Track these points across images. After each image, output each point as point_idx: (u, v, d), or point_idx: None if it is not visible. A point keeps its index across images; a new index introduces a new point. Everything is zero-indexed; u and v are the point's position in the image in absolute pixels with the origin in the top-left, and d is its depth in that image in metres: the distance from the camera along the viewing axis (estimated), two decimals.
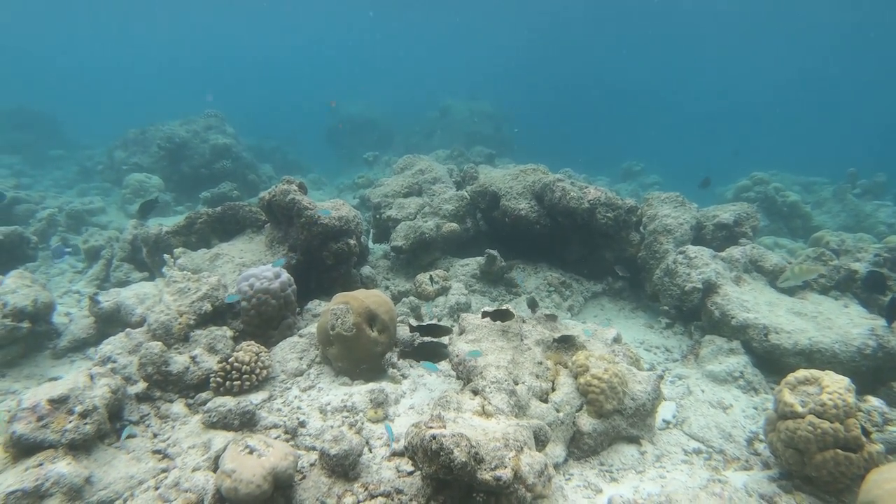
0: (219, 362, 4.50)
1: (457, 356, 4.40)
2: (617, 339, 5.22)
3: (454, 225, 7.85)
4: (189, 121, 16.24)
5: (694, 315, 6.76)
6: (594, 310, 7.58)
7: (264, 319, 5.10)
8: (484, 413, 3.76)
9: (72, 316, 6.27)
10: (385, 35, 60.18)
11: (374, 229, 8.91)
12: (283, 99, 45.86)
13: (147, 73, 56.15)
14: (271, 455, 3.34)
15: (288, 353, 4.96)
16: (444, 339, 4.83)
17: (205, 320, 4.97)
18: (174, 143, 14.95)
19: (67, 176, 17.52)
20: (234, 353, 4.54)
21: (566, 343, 4.85)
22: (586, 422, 4.31)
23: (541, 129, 33.10)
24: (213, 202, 12.80)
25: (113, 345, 4.75)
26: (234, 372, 4.45)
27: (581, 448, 4.29)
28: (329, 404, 4.36)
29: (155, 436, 4.08)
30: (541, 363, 4.58)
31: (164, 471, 3.63)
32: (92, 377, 3.89)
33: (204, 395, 4.46)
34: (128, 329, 4.93)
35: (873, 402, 4.24)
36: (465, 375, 4.29)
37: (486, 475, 2.90)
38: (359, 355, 4.66)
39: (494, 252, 7.32)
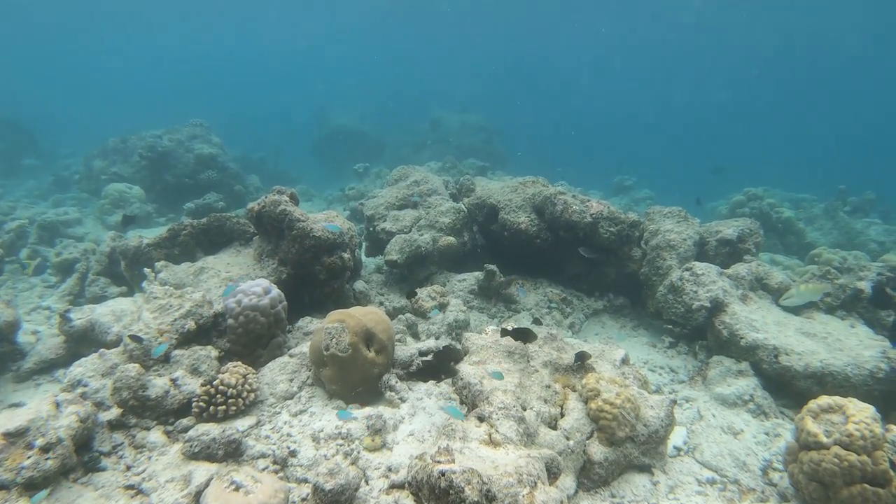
0: (202, 385, 4.15)
1: (461, 379, 4.12)
2: (625, 361, 4.98)
3: (451, 238, 7.58)
4: (173, 130, 15.80)
5: (698, 334, 6.55)
6: (595, 327, 7.33)
7: (252, 338, 4.76)
8: (491, 442, 3.49)
9: (40, 334, 5.86)
10: (376, 45, 60.23)
11: (368, 242, 8.62)
12: (270, 109, 45.45)
13: (128, 83, 55.23)
14: (259, 492, 3.03)
15: (277, 374, 4.63)
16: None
17: (188, 339, 4.62)
18: (157, 153, 14.48)
19: (42, 186, 16.93)
20: (220, 375, 4.20)
21: (583, 360, 4.60)
22: (597, 450, 4.05)
23: (534, 143, 33.13)
24: (197, 213, 12.41)
25: (84, 367, 4.36)
26: (218, 396, 4.10)
27: (591, 478, 4.03)
28: (322, 430, 4.02)
29: (128, 468, 3.71)
30: (549, 386, 4.31)
31: None
32: (58, 404, 3.54)
33: (185, 421, 4.10)
34: (102, 349, 4.55)
35: None
36: (471, 400, 4.01)
37: None
38: (354, 377, 4.34)
39: (493, 267, 7.06)
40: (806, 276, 7.10)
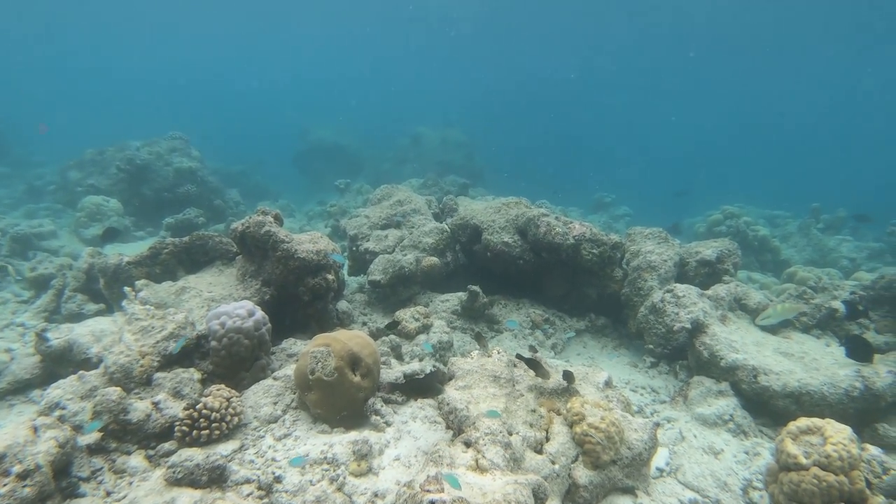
0: (185, 409, 4.07)
1: (447, 404, 4.12)
2: (608, 383, 5.04)
3: (434, 259, 7.60)
4: (152, 142, 15.61)
5: (679, 354, 6.64)
6: (577, 347, 7.39)
7: (236, 361, 4.70)
8: (478, 468, 3.49)
9: (13, 353, 5.70)
10: (358, 60, 60.56)
11: (350, 261, 8.59)
12: (249, 123, 45.19)
13: (106, 93, 54.36)
14: None
15: (261, 397, 4.57)
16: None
17: (170, 361, 4.55)
18: (135, 165, 14.28)
19: (13, 195, 16.52)
20: (203, 399, 4.13)
21: (570, 380, 4.64)
22: (582, 473, 4.08)
23: (516, 160, 33.50)
24: (177, 228, 12.23)
25: (63, 389, 4.26)
26: (201, 419, 4.03)
27: (576, 501, 4.06)
28: (307, 455, 3.98)
29: (108, 494, 3.62)
30: (534, 411, 4.34)
31: None
32: (35, 429, 3.44)
33: (167, 445, 4.03)
34: (81, 371, 4.45)
35: (872, 450, 4.15)
36: (457, 425, 4.01)
37: None
38: (340, 402, 4.31)
39: (477, 288, 7.09)
40: (783, 297, 7.27)
